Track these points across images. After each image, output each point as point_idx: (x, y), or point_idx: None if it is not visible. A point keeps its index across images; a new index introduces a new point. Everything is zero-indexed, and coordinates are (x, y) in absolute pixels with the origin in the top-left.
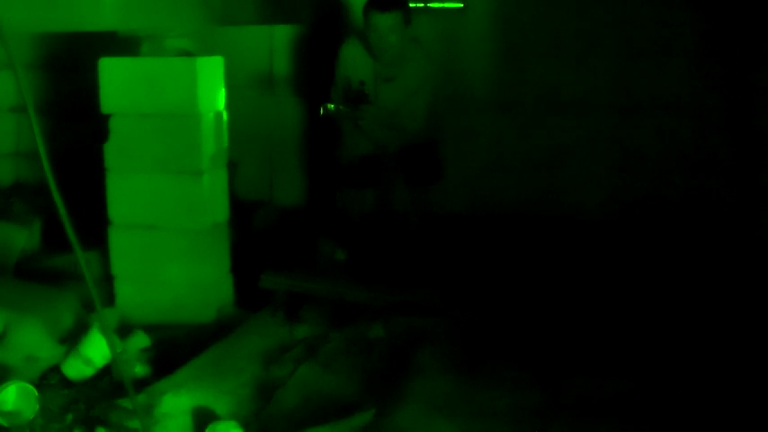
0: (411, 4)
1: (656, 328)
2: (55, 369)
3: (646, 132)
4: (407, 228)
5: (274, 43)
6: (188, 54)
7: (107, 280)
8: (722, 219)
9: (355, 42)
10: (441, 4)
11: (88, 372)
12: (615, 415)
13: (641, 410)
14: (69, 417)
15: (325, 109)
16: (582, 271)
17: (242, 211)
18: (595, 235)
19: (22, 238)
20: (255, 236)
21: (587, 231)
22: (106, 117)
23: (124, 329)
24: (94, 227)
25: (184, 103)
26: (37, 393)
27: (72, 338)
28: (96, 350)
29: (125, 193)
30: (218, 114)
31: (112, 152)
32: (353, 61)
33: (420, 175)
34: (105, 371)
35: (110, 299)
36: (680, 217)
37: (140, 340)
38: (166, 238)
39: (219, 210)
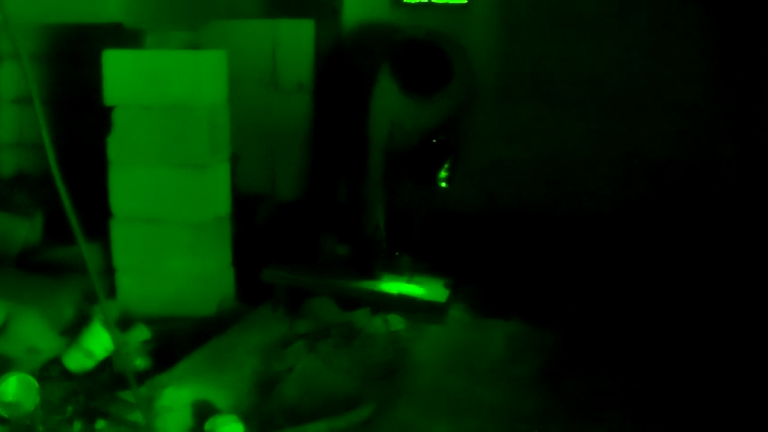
0: (414, 1)
1: (655, 323)
2: (56, 361)
3: (650, 130)
4: (411, 224)
5: (278, 37)
6: (192, 47)
7: (108, 272)
8: (727, 217)
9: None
10: (444, 1)
11: (89, 364)
12: (611, 414)
13: (639, 410)
14: (70, 409)
15: None
16: (585, 268)
17: (244, 205)
18: (599, 231)
19: (23, 229)
20: (257, 230)
21: (590, 228)
22: (110, 109)
23: (125, 322)
24: (96, 219)
25: (188, 96)
26: (38, 385)
27: (73, 331)
28: (97, 342)
29: (127, 186)
30: (221, 108)
31: (115, 144)
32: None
33: (427, 173)
34: (106, 363)
35: (111, 291)
36: (683, 214)
37: (141, 333)
38: (168, 231)
39: (221, 203)
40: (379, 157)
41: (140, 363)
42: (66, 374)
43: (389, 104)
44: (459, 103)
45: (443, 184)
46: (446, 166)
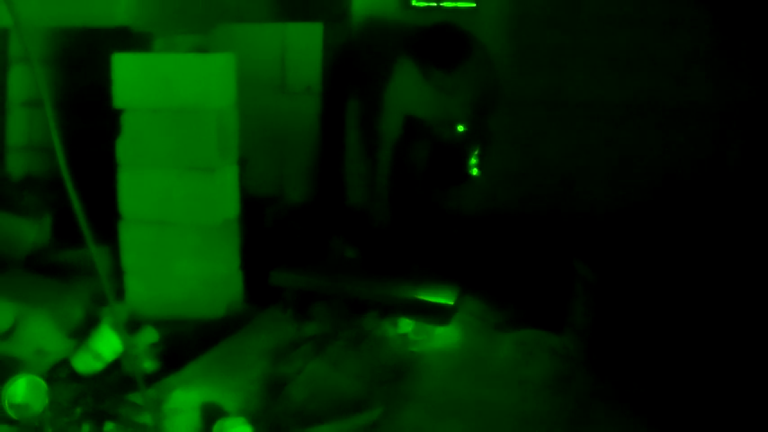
0: (422, 4)
1: (664, 325)
2: (64, 363)
3: (653, 135)
4: (422, 226)
5: (287, 41)
6: (201, 50)
7: (117, 275)
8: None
9: (408, 64)
10: (453, 4)
11: (97, 366)
12: (621, 419)
13: (651, 416)
14: (78, 410)
15: None
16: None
17: (252, 208)
18: (603, 233)
19: (32, 231)
20: (265, 232)
21: (595, 230)
22: (118, 112)
23: (133, 324)
24: (105, 222)
25: (196, 99)
26: (46, 387)
27: (82, 333)
28: (106, 344)
29: (136, 189)
30: (230, 111)
31: (124, 147)
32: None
33: (441, 176)
34: (114, 365)
35: (119, 294)
36: (689, 219)
37: (149, 335)
38: (177, 234)
39: (230, 206)
40: (387, 154)
41: (149, 365)
42: (75, 376)
43: (407, 94)
44: (481, 90)
45: (475, 171)
46: (476, 152)
